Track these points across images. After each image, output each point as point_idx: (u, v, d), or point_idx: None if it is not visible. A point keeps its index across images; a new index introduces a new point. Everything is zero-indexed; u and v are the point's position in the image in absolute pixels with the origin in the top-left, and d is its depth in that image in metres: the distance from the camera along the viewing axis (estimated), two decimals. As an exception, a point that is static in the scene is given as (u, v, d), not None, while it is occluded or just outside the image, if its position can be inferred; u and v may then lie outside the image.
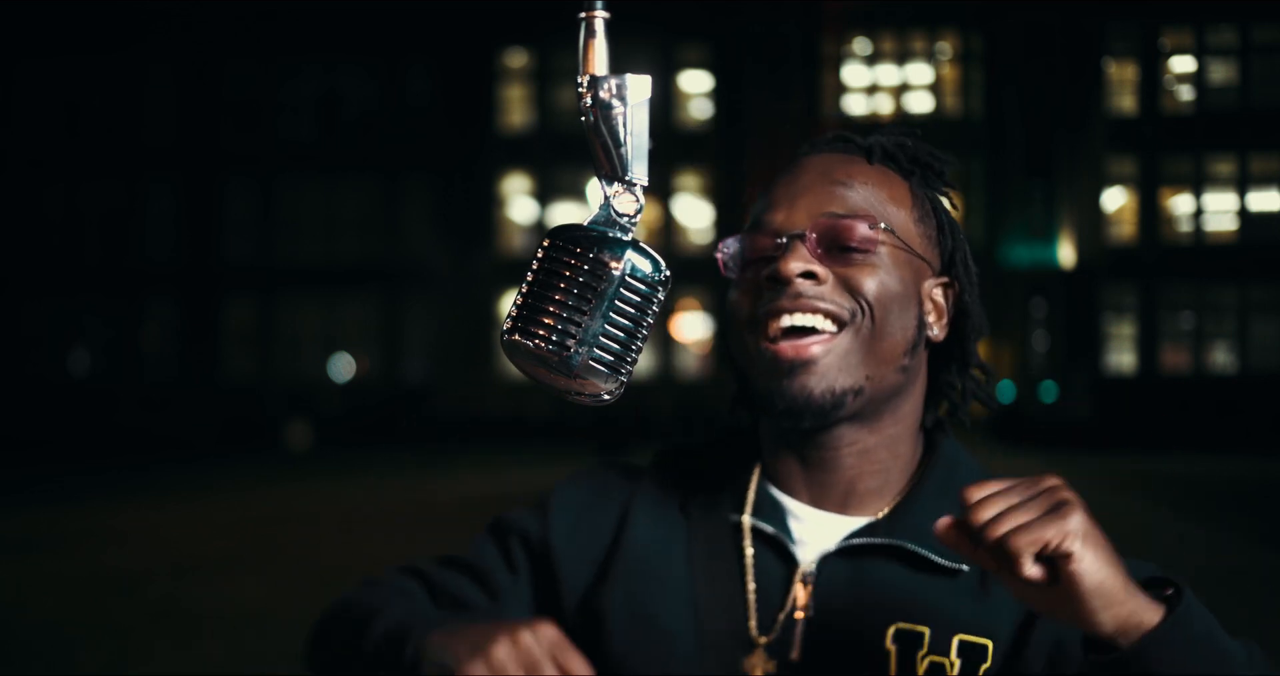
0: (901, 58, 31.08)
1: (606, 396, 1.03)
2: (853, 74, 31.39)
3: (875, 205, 1.16)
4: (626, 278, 1.00)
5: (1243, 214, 29.51)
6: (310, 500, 15.39)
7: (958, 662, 1.09)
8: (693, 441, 1.30)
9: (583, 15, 1.01)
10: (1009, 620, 1.11)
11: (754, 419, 1.27)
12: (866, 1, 30.22)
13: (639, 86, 1.02)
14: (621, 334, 1.00)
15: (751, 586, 1.14)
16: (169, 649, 7.32)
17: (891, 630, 1.10)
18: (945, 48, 31.24)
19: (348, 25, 31.22)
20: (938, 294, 1.21)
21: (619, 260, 1.00)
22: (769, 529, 1.17)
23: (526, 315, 1.00)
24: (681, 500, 1.22)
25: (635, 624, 1.15)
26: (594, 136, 1.02)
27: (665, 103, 30.64)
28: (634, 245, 1.02)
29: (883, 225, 1.14)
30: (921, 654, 1.10)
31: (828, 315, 1.12)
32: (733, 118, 31.09)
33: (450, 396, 30.08)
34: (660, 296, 1.02)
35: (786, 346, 1.11)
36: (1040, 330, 29.42)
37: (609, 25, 1.02)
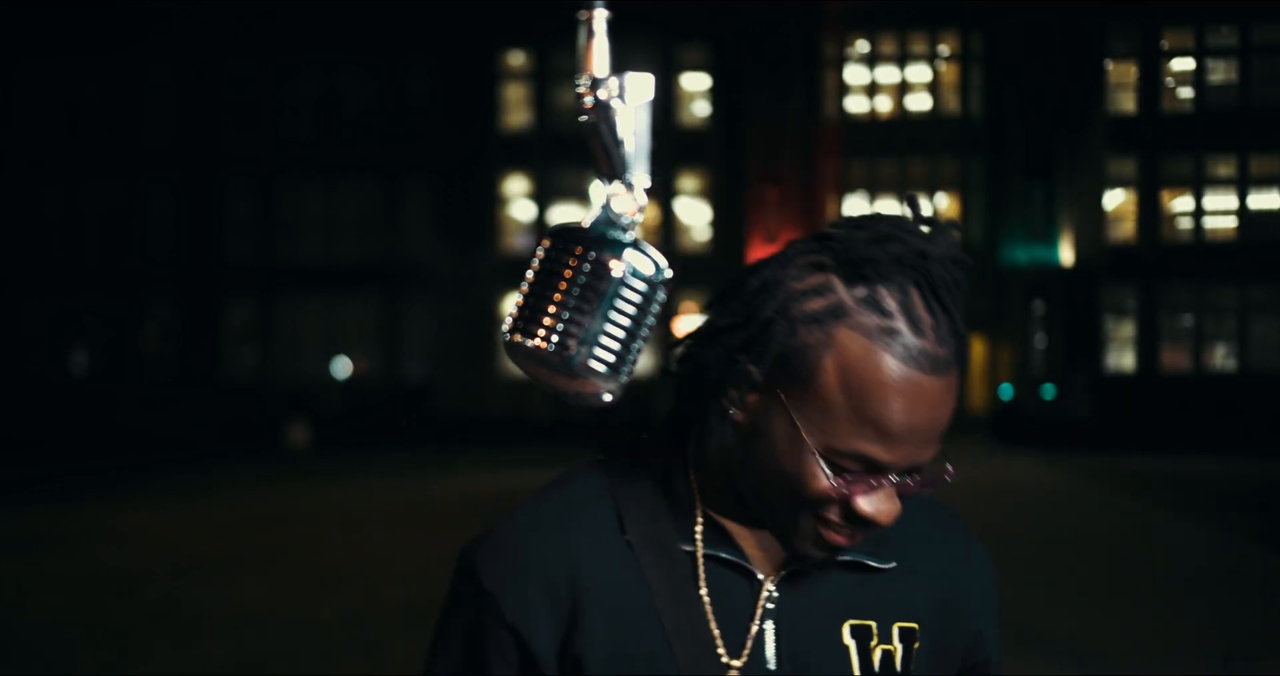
0: (901, 58, 31.07)
1: (607, 396, 1.03)
2: (853, 74, 31.38)
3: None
4: (627, 278, 1.00)
5: (1243, 214, 29.50)
6: (310, 500, 15.39)
7: (899, 647, 1.20)
8: (600, 461, 1.26)
9: (583, 15, 1.01)
10: (927, 602, 1.23)
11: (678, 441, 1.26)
12: (866, 2, 30.21)
13: (640, 86, 1.02)
14: (622, 334, 1.00)
15: (713, 618, 1.17)
16: (169, 649, 7.32)
17: (846, 627, 1.19)
18: (945, 48, 31.24)
19: (348, 25, 31.21)
20: None
21: (619, 260, 1.00)
22: (725, 555, 1.19)
23: (527, 315, 1.00)
24: (621, 529, 1.19)
25: (615, 667, 1.16)
26: (594, 137, 1.02)
27: (665, 103, 30.64)
28: (635, 245, 1.01)
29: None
30: (873, 644, 1.19)
31: None
32: (733, 118, 31.07)
33: (450, 396, 30.08)
34: (661, 296, 1.02)
35: (844, 539, 1.13)
36: (1040, 330, 29.40)
37: (609, 25, 1.02)
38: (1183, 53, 29.99)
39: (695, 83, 31.75)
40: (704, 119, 31.75)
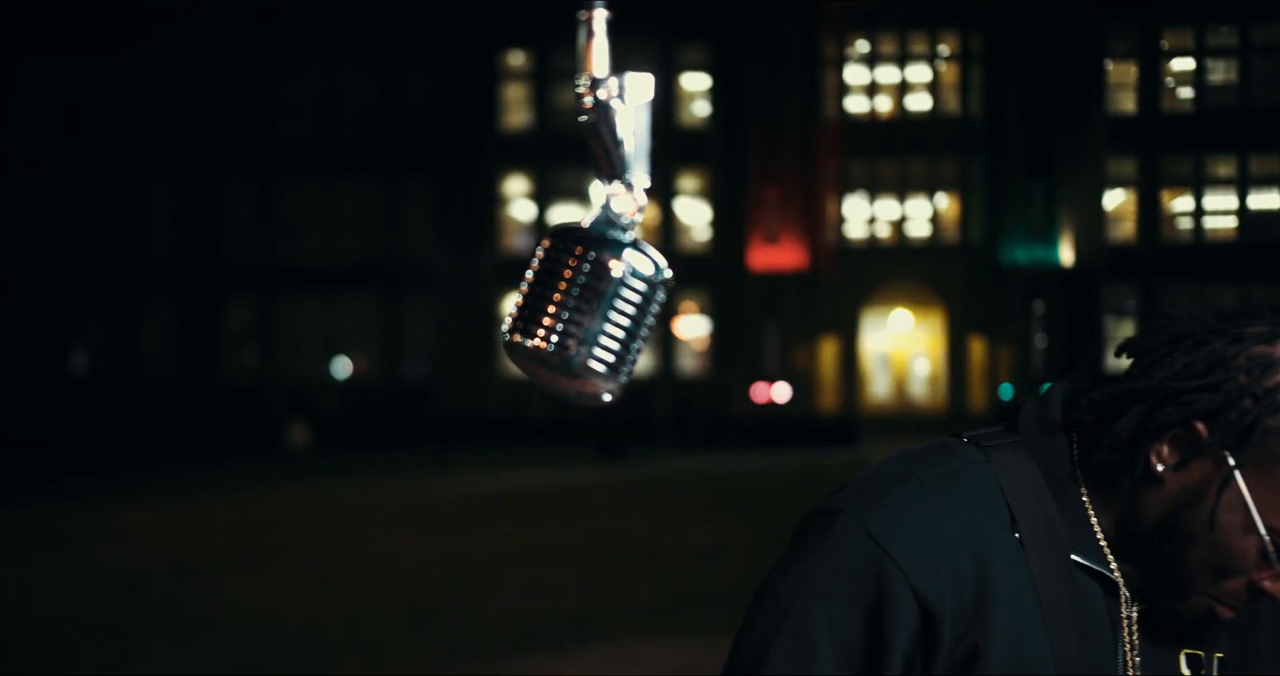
0: (901, 58, 31.08)
1: (606, 396, 1.02)
2: (853, 74, 31.39)
3: None
4: (626, 278, 1.00)
5: (1243, 214, 29.51)
6: (310, 500, 15.39)
7: None
8: (971, 446, 1.19)
9: (583, 15, 1.01)
10: (1230, 633, 1.23)
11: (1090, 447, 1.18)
12: (866, 2, 30.22)
13: (639, 87, 1.02)
14: (621, 334, 1.00)
15: (1094, 639, 1.14)
16: (169, 649, 7.32)
17: (1182, 656, 1.19)
18: (945, 48, 31.25)
19: (348, 25, 31.22)
20: None
21: (619, 260, 1.00)
22: (1113, 577, 1.16)
23: (527, 315, 1.00)
24: (1011, 525, 1.14)
25: (1009, 668, 1.12)
26: (594, 137, 1.02)
27: (665, 103, 30.65)
28: (634, 245, 1.01)
29: None
30: (1204, 672, 1.20)
31: None
32: (733, 118, 31.09)
33: (450, 396, 30.08)
34: (660, 296, 1.02)
35: (1228, 614, 1.15)
36: (1040, 330, 29.41)
37: (609, 25, 1.02)
38: (1183, 53, 30.01)
39: (695, 83, 31.76)
40: (704, 119, 31.77)
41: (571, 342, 0.98)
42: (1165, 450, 1.10)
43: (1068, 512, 1.16)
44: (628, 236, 1.02)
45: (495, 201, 32.15)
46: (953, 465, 1.16)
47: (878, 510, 1.13)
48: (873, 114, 31.34)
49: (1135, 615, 1.17)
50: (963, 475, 1.15)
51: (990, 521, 1.13)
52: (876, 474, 1.18)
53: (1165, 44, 29.92)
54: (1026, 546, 1.13)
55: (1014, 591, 1.12)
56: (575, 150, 28.29)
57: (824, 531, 1.14)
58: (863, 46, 31.28)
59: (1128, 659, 1.16)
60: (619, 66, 1.02)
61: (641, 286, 1.00)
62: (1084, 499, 1.17)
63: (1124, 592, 1.16)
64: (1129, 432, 1.11)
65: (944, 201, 31.04)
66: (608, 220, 1.02)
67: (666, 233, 30.75)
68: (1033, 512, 1.15)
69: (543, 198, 31.60)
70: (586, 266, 0.99)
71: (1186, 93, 30.17)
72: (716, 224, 31.38)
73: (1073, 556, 1.14)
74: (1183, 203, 30.01)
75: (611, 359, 0.99)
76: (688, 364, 31.53)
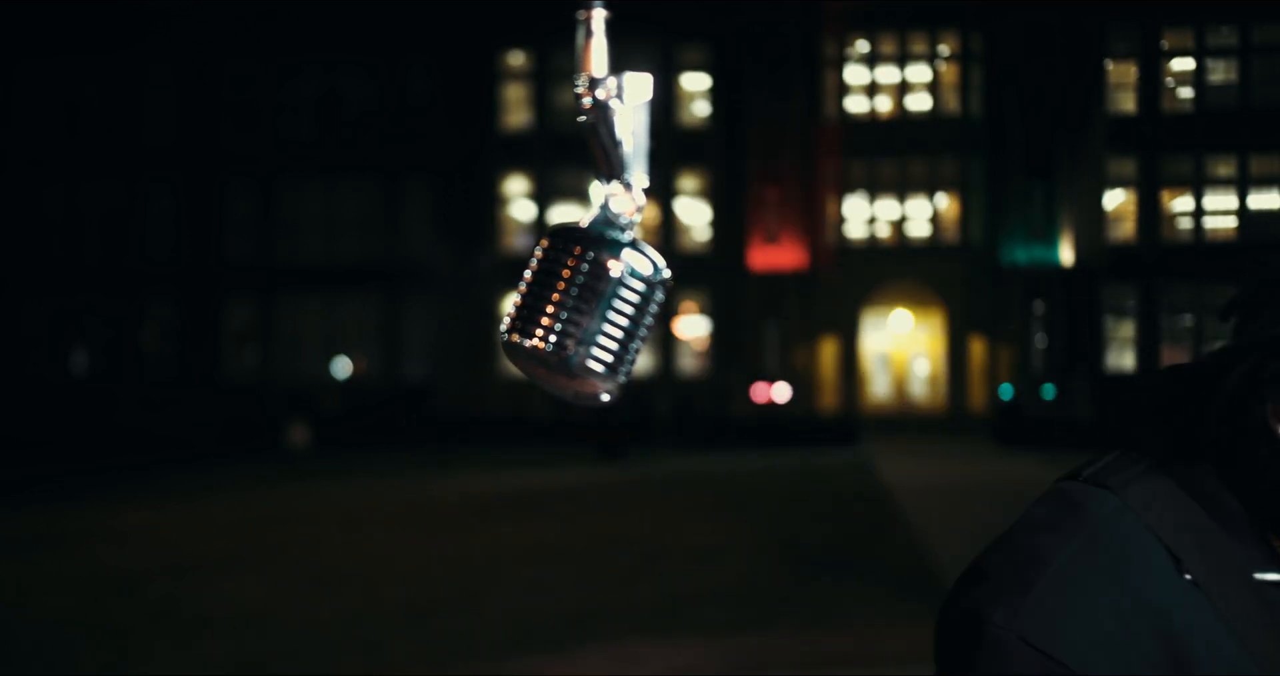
0: (901, 58, 31.09)
1: (605, 396, 1.02)
2: (853, 74, 31.39)
3: None
4: (625, 278, 0.99)
5: (1243, 214, 29.51)
6: (310, 500, 15.39)
7: None
8: (1091, 487, 1.07)
9: (582, 15, 1.01)
10: None
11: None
12: (866, 2, 30.23)
13: (638, 86, 1.01)
14: (620, 334, 0.99)
15: None
16: (169, 649, 7.32)
17: None
18: (945, 48, 31.25)
19: (348, 25, 31.23)
20: None
21: (617, 260, 1.00)
22: None
23: (525, 315, 1.00)
24: (1177, 568, 1.02)
25: None
26: (593, 137, 1.02)
27: (665, 103, 30.66)
28: (633, 245, 1.01)
29: None
30: None
31: None
32: (733, 118, 31.09)
33: (450, 396, 30.09)
34: (659, 296, 1.02)
35: None
36: (1040, 330, 29.41)
37: (609, 25, 1.02)
38: (1183, 53, 30.00)
39: (695, 83, 31.76)
40: (704, 119, 31.76)
41: (570, 342, 0.98)
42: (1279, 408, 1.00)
43: (1229, 523, 1.04)
44: (626, 236, 1.02)
45: (495, 201, 32.16)
46: (1091, 528, 1.03)
47: (1029, 610, 0.98)
48: (873, 114, 31.35)
49: None
50: (1105, 535, 1.02)
51: (1154, 576, 1.01)
52: (1008, 559, 1.02)
53: (1165, 44, 29.92)
54: (1202, 586, 1.01)
55: (1206, 640, 1.00)
56: (575, 150, 28.31)
57: (974, 648, 0.98)
58: (863, 46, 31.28)
59: None
60: (619, 66, 1.02)
61: (640, 286, 1.00)
62: (1233, 499, 1.05)
63: None
64: (1235, 397, 1.01)
65: (944, 201, 31.04)
66: (606, 220, 1.02)
67: (666, 233, 30.75)
68: (1196, 546, 1.03)
69: (543, 198, 31.61)
70: (585, 266, 0.99)
71: (1186, 93, 30.17)
72: (716, 224, 31.38)
73: (1256, 576, 1.02)
74: (1183, 203, 30.01)
75: (610, 359, 0.99)
76: (688, 364, 31.53)
